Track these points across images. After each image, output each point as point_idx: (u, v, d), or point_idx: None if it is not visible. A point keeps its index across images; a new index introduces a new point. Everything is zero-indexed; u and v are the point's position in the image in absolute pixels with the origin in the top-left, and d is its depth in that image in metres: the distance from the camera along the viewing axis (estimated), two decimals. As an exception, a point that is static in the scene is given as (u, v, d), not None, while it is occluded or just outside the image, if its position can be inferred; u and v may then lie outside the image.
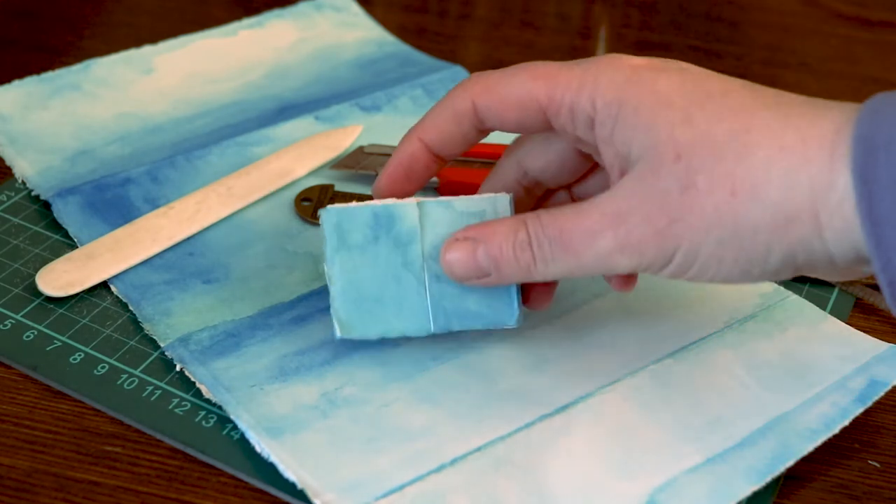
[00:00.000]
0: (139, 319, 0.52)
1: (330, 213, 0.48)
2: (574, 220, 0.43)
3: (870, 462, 0.48)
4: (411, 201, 0.47)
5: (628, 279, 0.48)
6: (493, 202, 0.47)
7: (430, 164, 0.49)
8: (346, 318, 0.48)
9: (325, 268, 0.48)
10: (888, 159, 0.38)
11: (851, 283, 0.56)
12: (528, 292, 0.49)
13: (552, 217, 0.44)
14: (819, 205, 0.39)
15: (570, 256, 0.43)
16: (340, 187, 0.61)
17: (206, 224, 0.58)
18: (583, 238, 0.43)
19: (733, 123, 0.41)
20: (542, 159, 0.49)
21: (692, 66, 0.44)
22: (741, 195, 0.40)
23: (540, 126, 0.46)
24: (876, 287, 0.56)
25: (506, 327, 0.48)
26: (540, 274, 0.45)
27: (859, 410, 0.48)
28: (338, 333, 0.48)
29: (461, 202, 0.47)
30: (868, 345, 0.52)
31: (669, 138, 0.42)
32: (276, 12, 0.76)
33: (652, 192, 0.42)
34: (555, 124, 0.46)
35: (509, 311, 0.48)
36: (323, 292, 0.53)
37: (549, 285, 0.50)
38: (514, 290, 0.48)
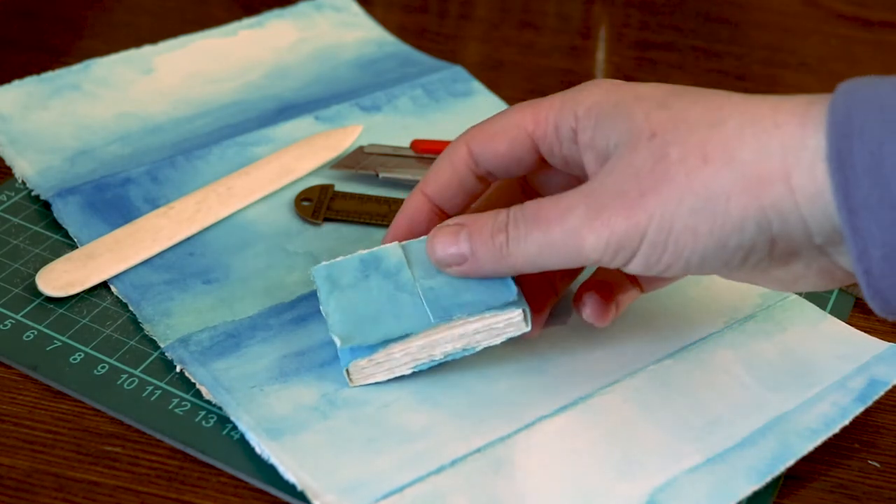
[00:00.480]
0: (139, 320, 0.52)
1: (320, 269, 0.50)
2: (552, 200, 0.44)
3: (870, 462, 0.48)
4: (394, 244, 0.50)
5: (604, 306, 0.48)
6: None
7: (432, 217, 0.50)
8: (344, 333, 0.48)
9: (321, 308, 0.49)
10: (863, 146, 0.38)
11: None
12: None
13: (533, 202, 0.45)
14: (791, 167, 0.39)
15: (539, 231, 0.43)
16: (340, 187, 0.61)
17: (206, 224, 0.58)
18: (556, 213, 0.43)
19: (707, 104, 0.42)
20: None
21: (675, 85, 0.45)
22: (713, 161, 0.40)
23: (528, 157, 0.47)
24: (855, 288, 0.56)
25: (509, 313, 0.48)
26: (511, 256, 0.45)
27: (859, 410, 0.48)
28: (339, 344, 0.48)
29: None
30: (868, 344, 0.52)
31: (646, 120, 0.42)
32: (276, 12, 0.76)
33: (626, 169, 0.42)
34: (542, 149, 0.47)
35: (507, 290, 0.47)
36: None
37: (541, 309, 0.50)
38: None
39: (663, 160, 0.41)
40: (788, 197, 0.40)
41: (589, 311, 0.48)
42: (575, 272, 0.52)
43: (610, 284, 0.49)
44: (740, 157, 0.40)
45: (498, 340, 0.48)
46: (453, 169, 0.49)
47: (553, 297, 0.51)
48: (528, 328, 0.48)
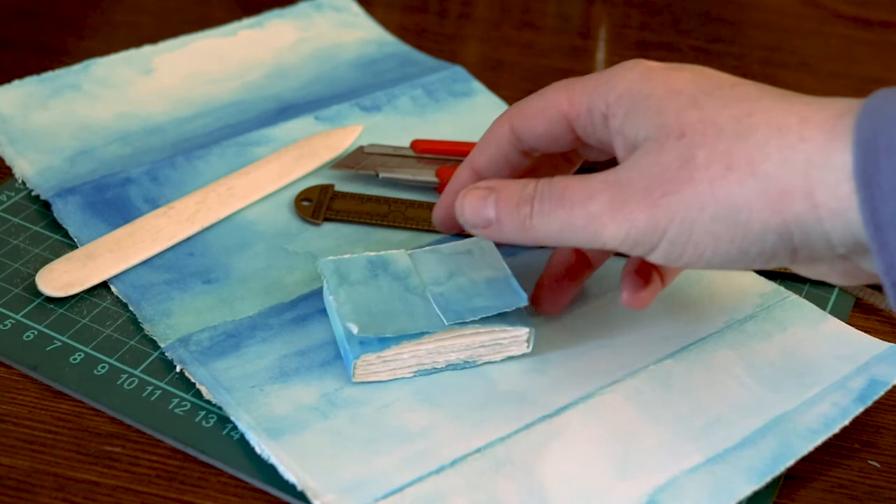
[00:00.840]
0: (139, 319, 0.52)
1: (327, 263, 0.51)
2: (578, 182, 0.44)
3: (870, 462, 0.48)
4: (401, 251, 0.51)
5: (641, 291, 0.48)
6: (476, 242, 0.52)
7: None
8: (360, 322, 0.48)
9: (331, 299, 0.50)
10: (889, 163, 0.38)
11: (851, 283, 0.56)
12: (544, 294, 0.51)
13: (561, 178, 0.45)
14: (814, 183, 0.40)
15: (563, 211, 0.44)
16: (340, 187, 0.61)
17: (206, 224, 0.58)
18: (580, 196, 0.44)
19: (737, 109, 0.42)
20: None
21: (708, 68, 0.45)
22: (736, 171, 0.41)
23: (566, 136, 0.48)
24: (876, 287, 0.56)
25: (517, 330, 0.49)
26: (534, 229, 0.45)
27: (859, 410, 0.48)
28: (355, 331, 0.48)
29: (447, 247, 0.52)
30: (868, 344, 0.52)
31: (676, 119, 0.42)
32: (276, 12, 0.76)
33: (653, 166, 0.42)
34: (578, 130, 0.47)
35: (518, 297, 0.49)
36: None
37: (574, 279, 0.51)
38: (514, 280, 0.50)
39: (689, 163, 0.41)
40: (811, 212, 0.40)
41: (625, 296, 0.49)
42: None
43: (648, 267, 0.49)
44: (764, 170, 0.40)
45: (498, 357, 0.50)
46: (497, 145, 0.49)
47: (588, 269, 0.52)
48: (529, 349, 0.50)
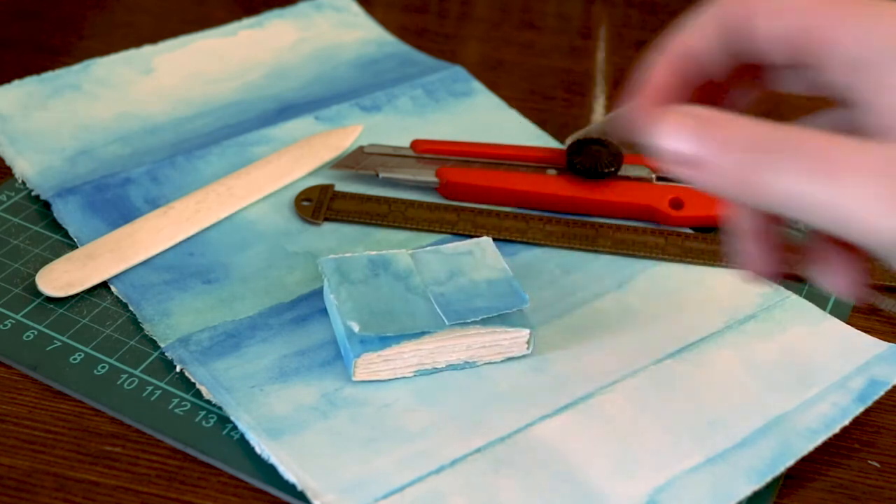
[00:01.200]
0: (139, 319, 0.52)
1: (329, 261, 0.51)
2: (835, 143, 0.33)
3: (870, 462, 0.48)
4: (402, 251, 0.52)
5: (855, 278, 0.38)
6: (477, 243, 0.52)
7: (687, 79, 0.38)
8: (361, 321, 0.48)
9: (332, 297, 0.50)
10: None
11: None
12: (757, 257, 0.40)
13: (808, 131, 0.33)
14: None
15: (809, 174, 0.32)
16: (340, 187, 0.61)
17: (206, 224, 0.58)
18: (838, 162, 0.32)
19: None
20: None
21: None
22: None
23: (793, 54, 0.36)
24: (876, 287, 0.56)
25: (517, 332, 0.50)
26: (760, 186, 0.33)
27: (859, 410, 0.48)
28: (356, 330, 0.48)
29: (448, 248, 0.52)
30: (868, 344, 0.52)
31: None
32: (276, 12, 0.76)
33: None
34: (819, 54, 0.35)
35: (519, 298, 0.49)
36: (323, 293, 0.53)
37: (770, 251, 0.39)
38: (515, 282, 0.50)
39: None
40: None
41: (840, 283, 0.38)
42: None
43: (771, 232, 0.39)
44: None
45: (499, 358, 0.50)
46: (722, 31, 0.37)
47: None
48: (530, 351, 0.50)
